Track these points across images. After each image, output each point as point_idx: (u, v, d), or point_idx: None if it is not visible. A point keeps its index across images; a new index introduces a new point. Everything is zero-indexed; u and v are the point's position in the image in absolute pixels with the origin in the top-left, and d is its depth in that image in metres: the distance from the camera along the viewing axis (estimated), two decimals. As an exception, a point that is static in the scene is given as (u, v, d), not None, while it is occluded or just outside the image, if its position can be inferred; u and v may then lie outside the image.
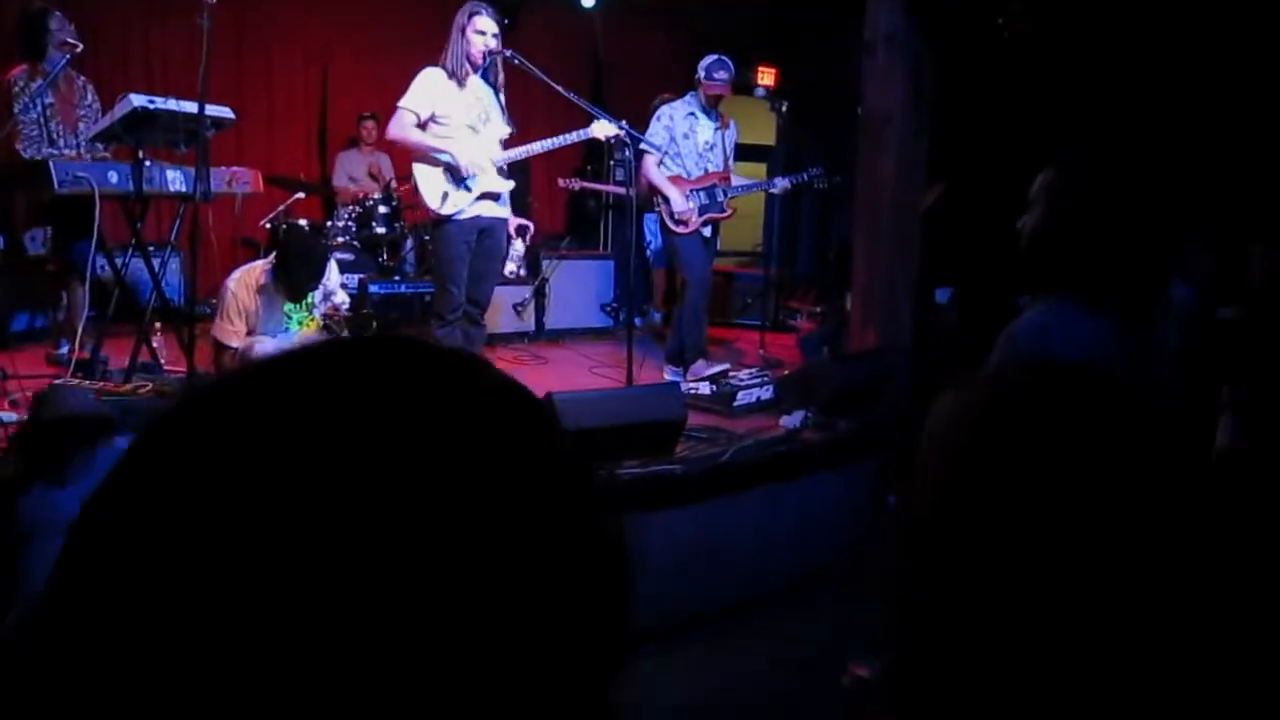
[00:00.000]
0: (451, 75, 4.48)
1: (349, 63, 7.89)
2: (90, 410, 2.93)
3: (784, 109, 5.91)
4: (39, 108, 4.69)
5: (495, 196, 4.61)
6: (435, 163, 4.51)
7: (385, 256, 6.58)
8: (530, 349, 6.56)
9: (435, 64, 4.53)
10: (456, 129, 4.51)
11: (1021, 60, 5.42)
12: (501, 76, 4.65)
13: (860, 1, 4.88)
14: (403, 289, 6.23)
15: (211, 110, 4.41)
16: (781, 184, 5.79)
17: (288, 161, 7.50)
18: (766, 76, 8.57)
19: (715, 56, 5.44)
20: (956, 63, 5.15)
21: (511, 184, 4.68)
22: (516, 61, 4.56)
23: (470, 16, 4.45)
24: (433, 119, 4.49)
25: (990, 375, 0.80)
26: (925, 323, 5.13)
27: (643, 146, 5.21)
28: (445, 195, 4.50)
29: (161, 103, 4.39)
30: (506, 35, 7.82)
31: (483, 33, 4.45)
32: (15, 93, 4.64)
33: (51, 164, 4.25)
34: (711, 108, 5.50)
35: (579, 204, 8.38)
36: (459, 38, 4.46)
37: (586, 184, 7.45)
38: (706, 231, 5.52)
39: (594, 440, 3.74)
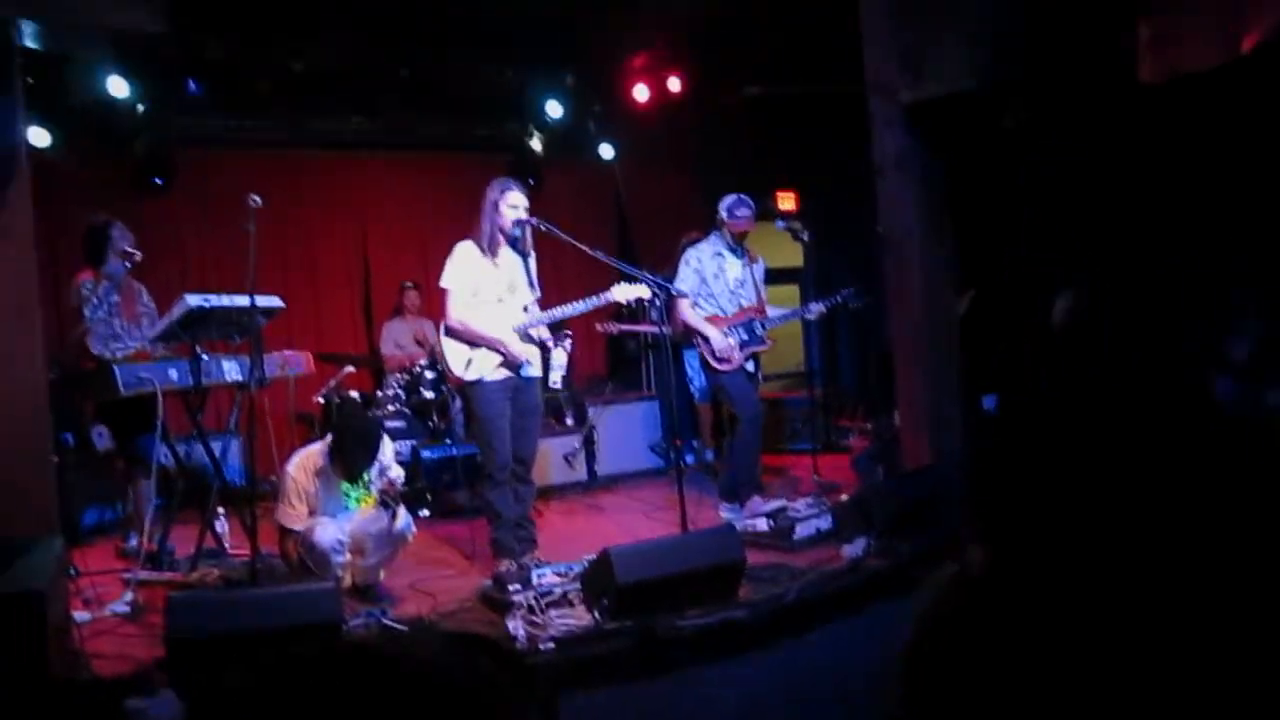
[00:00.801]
0: (485, 250, 4.71)
1: (386, 236, 8.28)
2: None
3: (806, 236, 6.05)
4: (105, 307, 4.98)
5: (519, 365, 4.73)
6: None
7: (435, 420, 6.72)
8: (584, 499, 6.59)
9: (468, 238, 4.76)
10: (486, 301, 4.71)
11: (1028, 150, 5.52)
12: (530, 243, 4.83)
13: (867, 123, 5.04)
14: (454, 451, 6.34)
15: (261, 301, 4.65)
16: (816, 309, 5.86)
17: (335, 336, 7.79)
18: (786, 201, 8.81)
19: (735, 196, 5.61)
20: (968, 169, 5.27)
21: (536, 350, 4.80)
22: (544, 229, 4.74)
23: (502, 193, 4.70)
24: (475, 294, 4.70)
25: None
26: (975, 432, 5.09)
27: (673, 291, 5.33)
28: (469, 362, 4.68)
29: (215, 300, 4.63)
30: (532, 194, 8.24)
31: (515, 207, 4.69)
32: (84, 295, 4.95)
33: (116, 369, 4.48)
34: (737, 245, 5.64)
35: (618, 346, 8.54)
36: (492, 212, 4.70)
37: (624, 327, 7.62)
38: (750, 366, 5.59)
39: (654, 592, 3.72)
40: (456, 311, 4.68)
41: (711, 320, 5.52)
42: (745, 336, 5.54)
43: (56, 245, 6.40)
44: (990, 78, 4.26)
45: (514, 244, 4.78)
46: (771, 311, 5.73)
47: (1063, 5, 4.15)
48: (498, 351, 4.66)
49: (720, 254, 5.62)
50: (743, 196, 5.61)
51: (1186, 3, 4.06)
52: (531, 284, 4.84)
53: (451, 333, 4.71)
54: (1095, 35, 4.22)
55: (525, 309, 4.79)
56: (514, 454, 4.74)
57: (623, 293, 4.83)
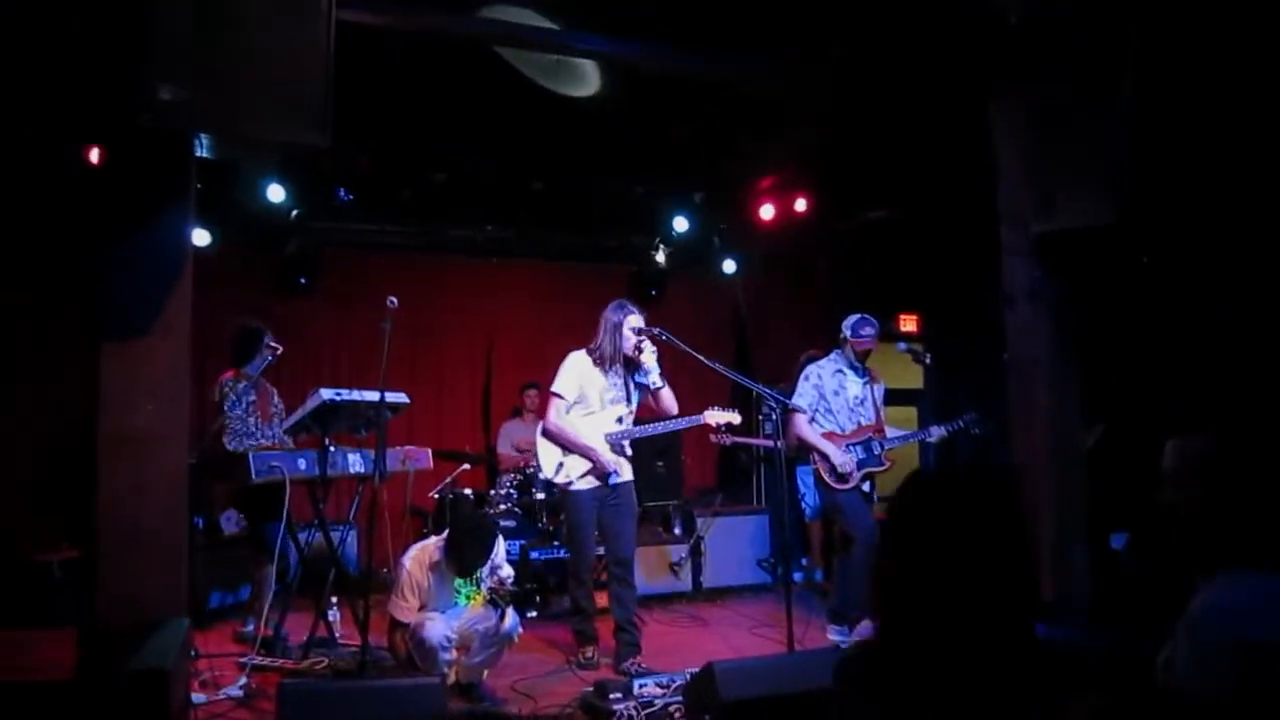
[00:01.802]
0: (597, 363, 4.97)
1: (511, 340, 8.53)
2: None
3: (927, 360, 5.97)
4: (243, 405, 5.27)
5: (607, 474, 4.94)
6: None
7: (545, 521, 6.78)
8: (688, 609, 6.50)
9: (582, 348, 5.01)
10: (588, 410, 4.98)
11: (1166, 290, 5.36)
12: (645, 355, 4.94)
13: (994, 244, 4.98)
14: (561, 554, 6.36)
15: (390, 397, 4.83)
16: (937, 432, 5.74)
17: (455, 435, 8.00)
18: (909, 324, 8.73)
19: (859, 315, 5.60)
20: (1099, 302, 5.14)
21: (625, 462, 5.01)
22: (664, 337, 4.85)
23: (625, 315, 4.95)
24: (578, 401, 4.97)
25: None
26: (1102, 571, 4.83)
27: (790, 405, 5.32)
28: (560, 466, 4.96)
29: (347, 394, 4.85)
30: (653, 304, 8.41)
31: (637, 329, 4.93)
32: (225, 393, 5.26)
33: (250, 456, 4.71)
34: (859, 363, 5.60)
35: (729, 458, 8.49)
36: (614, 333, 4.93)
37: (737, 439, 7.59)
38: (865, 486, 5.49)
39: (756, 712, 3.61)
40: (556, 415, 4.98)
41: (828, 437, 5.47)
42: (863, 455, 5.45)
43: (205, 340, 6.82)
44: (1124, 212, 4.18)
45: (627, 363, 5.00)
46: (891, 432, 5.63)
47: (1210, 148, 4.07)
48: (588, 458, 4.91)
49: (841, 371, 5.59)
50: (866, 315, 5.60)
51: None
52: (629, 398, 5.03)
53: (548, 434, 5.02)
54: (1238, 179, 4.13)
55: (619, 420, 5.00)
56: (614, 557, 5.02)
57: (715, 417, 5.10)
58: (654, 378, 4.93)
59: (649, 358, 4.89)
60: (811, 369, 5.64)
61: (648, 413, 5.15)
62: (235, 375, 5.34)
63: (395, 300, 4.55)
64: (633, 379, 5.03)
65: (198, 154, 4.25)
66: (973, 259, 5.87)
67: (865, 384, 5.63)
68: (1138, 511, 5.30)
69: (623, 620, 4.95)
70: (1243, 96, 3.96)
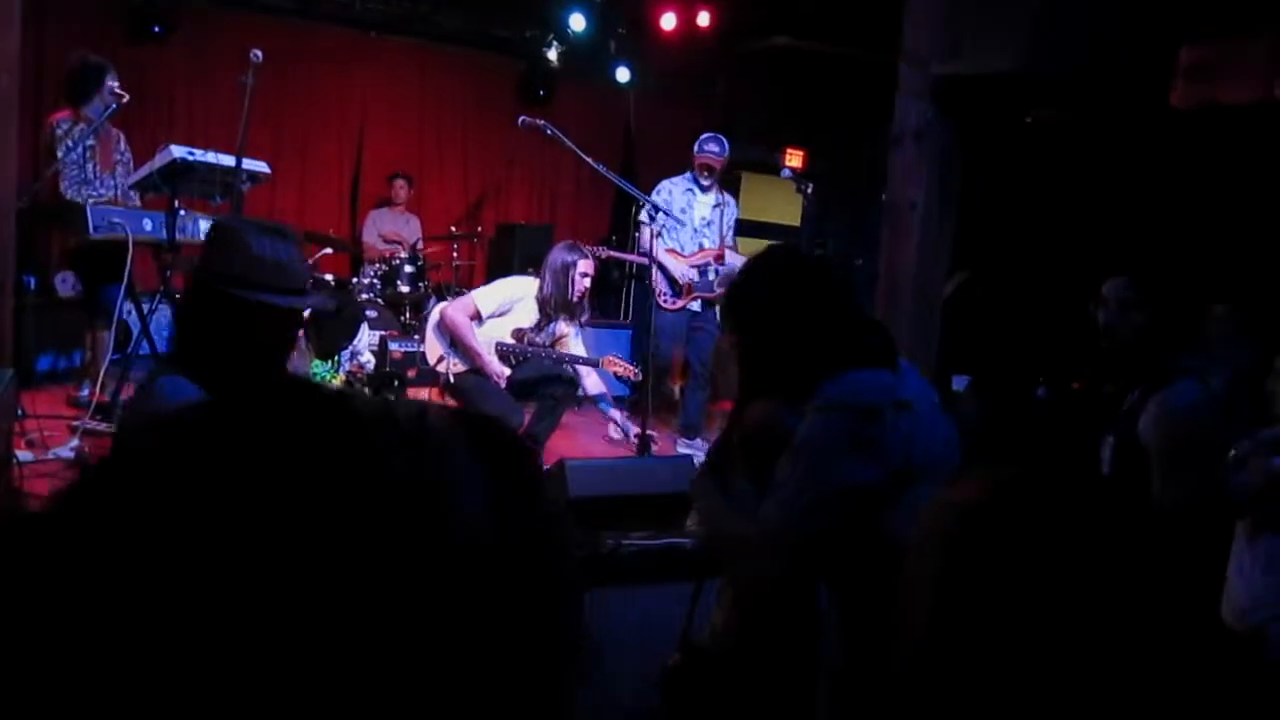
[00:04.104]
0: (540, 306, 4.70)
1: (385, 123, 8.07)
2: None
3: (809, 190, 5.96)
4: (80, 150, 4.81)
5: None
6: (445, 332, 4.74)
7: (408, 315, 6.63)
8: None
9: (533, 276, 4.76)
10: (503, 320, 4.72)
11: (1045, 149, 5.48)
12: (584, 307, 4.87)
13: (888, 90, 4.95)
14: (423, 348, 6.26)
15: (248, 164, 4.51)
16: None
17: (319, 217, 7.63)
18: (794, 158, 8.70)
19: (711, 133, 5.52)
20: (981, 152, 5.21)
21: (507, 372, 4.74)
22: (550, 133, 4.66)
23: (576, 260, 4.67)
24: (492, 315, 4.69)
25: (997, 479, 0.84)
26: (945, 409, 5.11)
27: (666, 212, 5.30)
28: (441, 358, 4.72)
29: (200, 154, 4.50)
30: (542, 106, 8.08)
31: (586, 275, 4.69)
32: (59, 135, 4.78)
33: (89, 209, 4.34)
34: (708, 181, 5.53)
35: (603, 273, 8.44)
36: (561, 275, 4.65)
37: (613, 253, 7.52)
38: (695, 307, 5.53)
39: (602, 508, 3.73)
40: (461, 316, 4.65)
41: (670, 254, 5.47)
42: (696, 279, 5.47)
43: (41, 80, 6.19)
44: (1027, 67, 4.17)
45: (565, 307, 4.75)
46: (731, 259, 5.61)
47: (1114, 10, 4.06)
48: (475, 361, 4.65)
49: (691, 190, 5.54)
50: (717, 135, 5.52)
51: (1229, 37, 4.00)
52: (551, 330, 4.81)
53: (442, 325, 4.72)
54: (1138, 49, 4.16)
55: (516, 333, 4.75)
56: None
57: (614, 366, 4.90)
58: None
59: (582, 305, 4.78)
60: (664, 184, 5.57)
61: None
62: (72, 116, 4.84)
63: (260, 54, 4.18)
64: (559, 321, 4.80)
65: None
66: (867, 101, 5.82)
67: (715, 206, 5.59)
68: (982, 357, 5.59)
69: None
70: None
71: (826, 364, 1.78)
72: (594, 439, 5.85)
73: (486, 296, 4.74)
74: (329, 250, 6.66)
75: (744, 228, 7.93)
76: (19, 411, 4.26)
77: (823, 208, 7.96)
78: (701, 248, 5.53)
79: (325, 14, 7.57)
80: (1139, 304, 2.20)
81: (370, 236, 7.48)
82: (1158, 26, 4.16)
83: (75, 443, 4.14)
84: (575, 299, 4.72)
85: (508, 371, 4.72)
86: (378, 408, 0.47)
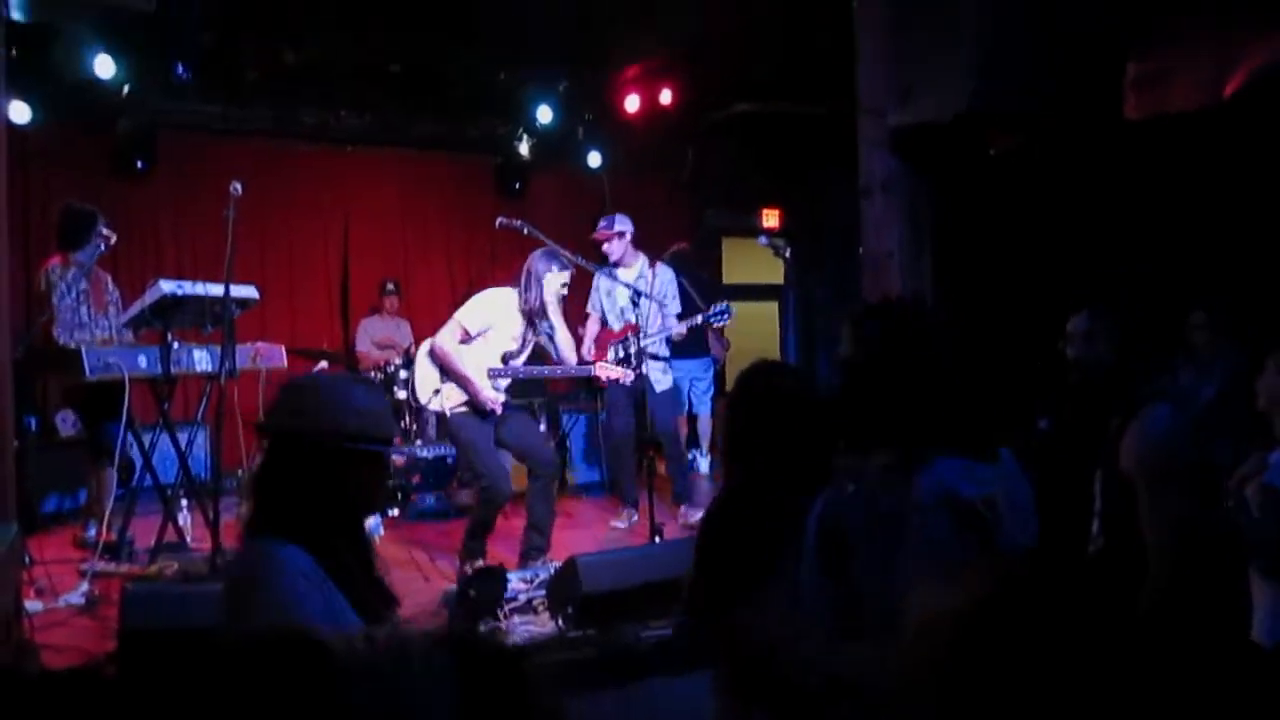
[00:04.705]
0: (521, 311, 4.71)
1: (369, 233, 8.21)
2: None
3: (787, 253, 6.04)
4: (74, 295, 4.90)
5: (485, 410, 4.68)
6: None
7: (407, 421, 6.66)
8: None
9: (511, 287, 4.75)
10: (488, 343, 4.70)
11: (1013, 179, 5.56)
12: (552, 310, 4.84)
13: (854, 139, 5.05)
14: (423, 453, 6.28)
15: (236, 291, 4.59)
16: (677, 330, 5.70)
17: (311, 332, 7.70)
18: (771, 218, 8.83)
19: (604, 218, 5.85)
20: (953, 194, 5.29)
21: (502, 396, 4.73)
22: (526, 231, 4.74)
23: (557, 269, 4.69)
24: (479, 331, 4.69)
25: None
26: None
27: (649, 297, 5.42)
28: (436, 391, 4.68)
29: (189, 287, 4.58)
30: (518, 198, 8.23)
31: (566, 284, 4.73)
32: (53, 281, 4.88)
33: (84, 351, 4.41)
34: (616, 258, 5.75)
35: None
36: (537, 284, 4.66)
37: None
38: (627, 381, 5.52)
39: (618, 601, 3.70)
40: (448, 342, 4.65)
41: (605, 334, 5.78)
42: (621, 355, 5.60)
43: (29, 224, 6.32)
44: (979, 105, 4.27)
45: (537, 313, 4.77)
46: (656, 329, 5.63)
47: (1057, 39, 4.17)
48: (466, 390, 4.64)
49: (609, 273, 5.68)
50: (608, 216, 5.84)
51: (1175, 47, 4.10)
52: (525, 344, 4.81)
53: (433, 355, 4.70)
54: (1086, 71, 4.26)
55: (504, 358, 4.75)
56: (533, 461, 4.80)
57: (606, 370, 4.95)
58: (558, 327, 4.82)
59: (555, 313, 4.76)
60: (597, 274, 5.69)
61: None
62: (64, 262, 4.94)
63: (240, 186, 4.29)
64: (534, 328, 4.81)
65: (7, 14, 3.83)
66: (834, 153, 5.93)
67: (639, 278, 5.67)
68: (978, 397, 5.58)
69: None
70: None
71: (920, 438, 1.76)
72: (600, 528, 5.84)
73: (469, 314, 4.70)
74: (324, 364, 6.72)
75: (730, 291, 8.03)
76: (26, 559, 4.26)
77: (806, 261, 8.05)
78: (626, 324, 5.63)
79: (303, 133, 7.75)
80: (1101, 335, 2.24)
81: (363, 345, 7.55)
82: (1099, 47, 4.27)
83: (85, 587, 4.13)
84: (553, 303, 4.71)
85: (502, 397, 4.71)
86: (353, 653, 0.49)
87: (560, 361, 4.82)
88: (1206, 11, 3.99)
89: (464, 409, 4.66)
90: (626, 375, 4.98)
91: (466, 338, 4.66)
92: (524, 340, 4.79)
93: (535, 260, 4.69)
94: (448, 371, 4.65)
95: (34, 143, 6.36)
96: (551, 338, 4.81)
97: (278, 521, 1.82)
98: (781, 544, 1.84)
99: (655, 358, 5.65)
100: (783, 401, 2.00)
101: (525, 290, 4.67)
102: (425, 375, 4.74)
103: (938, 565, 1.58)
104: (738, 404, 2.09)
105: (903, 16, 4.56)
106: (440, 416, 4.85)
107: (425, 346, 4.79)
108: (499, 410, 4.68)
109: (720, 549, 2.00)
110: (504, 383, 4.72)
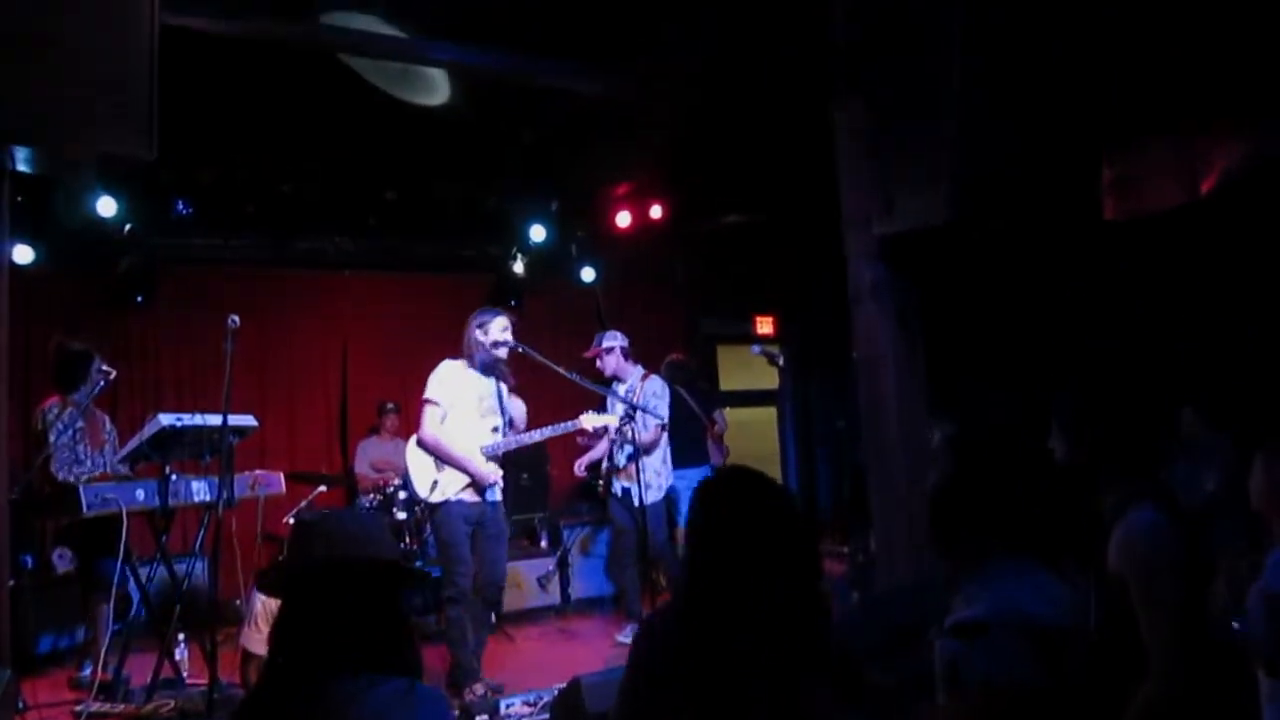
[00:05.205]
0: (472, 367, 4.77)
1: (366, 356, 8.28)
2: None
3: (780, 361, 6.11)
4: (70, 432, 4.92)
5: (485, 487, 4.71)
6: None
7: (408, 541, 6.60)
8: (557, 623, 6.45)
9: (453, 358, 4.82)
10: (463, 416, 4.73)
11: (1001, 278, 5.64)
12: (506, 370, 4.88)
13: (842, 246, 5.16)
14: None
15: (234, 420, 4.61)
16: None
17: (309, 455, 7.70)
18: (764, 325, 8.95)
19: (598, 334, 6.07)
20: (940, 298, 5.38)
21: (500, 473, 4.76)
22: (521, 350, 4.79)
23: (493, 318, 4.78)
24: (452, 403, 4.73)
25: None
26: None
27: (640, 407, 5.46)
28: (435, 483, 4.67)
29: (188, 419, 4.59)
30: (514, 315, 8.31)
31: (506, 329, 4.78)
32: (49, 421, 4.90)
33: (81, 489, 4.40)
34: (611, 375, 5.93)
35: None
36: (482, 338, 4.74)
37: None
38: (617, 490, 5.80)
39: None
40: (432, 425, 4.70)
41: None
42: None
43: (31, 364, 6.37)
44: (961, 212, 4.38)
45: (491, 369, 4.82)
46: (644, 437, 5.59)
47: (1033, 145, 4.30)
48: (465, 471, 4.64)
49: (611, 389, 5.79)
50: (600, 333, 6.12)
51: (1150, 146, 4.22)
52: (502, 409, 4.85)
53: (423, 445, 4.72)
54: (1063, 174, 4.38)
55: (495, 430, 4.79)
56: (487, 579, 4.69)
57: (591, 420, 5.00)
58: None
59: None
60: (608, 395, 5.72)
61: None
62: (60, 402, 4.98)
63: (237, 319, 4.35)
64: (504, 380, 4.87)
65: (13, 168, 3.95)
66: (824, 260, 6.05)
67: (628, 391, 5.81)
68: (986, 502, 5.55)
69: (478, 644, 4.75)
70: (1059, 88, 4.19)
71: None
72: (604, 643, 5.74)
73: (435, 390, 4.73)
74: (323, 488, 6.70)
75: (728, 398, 8.07)
76: (20, 704, 4.16)
77: (802, 366, 8.12)
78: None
79: (300, 259, 7.91)
80: (1080, 442, 2.25)
81: (362, 467, 7.53)
82: (1075, 152, 4.40)
83: (79, 731, 4.03)
84: (497, 354, 4.73)
85: (500, 472, 4.73)
86: None
87: (516, 422, 4.84)
88: (1176, 116, 4.12)
89: (464, 493, 4.66)
90: (613, 420, 5.11)
91: (444, 413, 4.70)
92: (499, 405, 4.82)
93: (471, 319, 4.81)
94: (444, 458, 4.67)
95: (35, 281, 6.47)
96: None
97: (384, 659, 1.75)
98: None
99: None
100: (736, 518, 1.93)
101: (468, 347, 4.75)
102: (420, 467, 4.74)
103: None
104: (693, 518, 2.00)
105: (883, 126, 4.72)
106: (435, 526, 4.79)
107: (412, 441, 4.81)
108: (499, 484, 4.72)
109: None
110: (499, 456, 4.78)
